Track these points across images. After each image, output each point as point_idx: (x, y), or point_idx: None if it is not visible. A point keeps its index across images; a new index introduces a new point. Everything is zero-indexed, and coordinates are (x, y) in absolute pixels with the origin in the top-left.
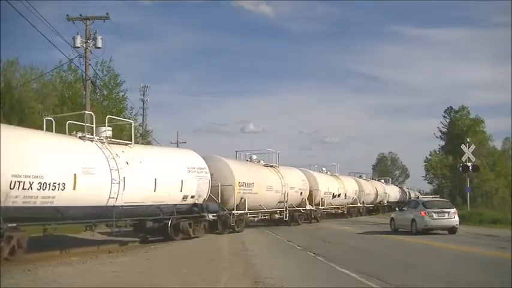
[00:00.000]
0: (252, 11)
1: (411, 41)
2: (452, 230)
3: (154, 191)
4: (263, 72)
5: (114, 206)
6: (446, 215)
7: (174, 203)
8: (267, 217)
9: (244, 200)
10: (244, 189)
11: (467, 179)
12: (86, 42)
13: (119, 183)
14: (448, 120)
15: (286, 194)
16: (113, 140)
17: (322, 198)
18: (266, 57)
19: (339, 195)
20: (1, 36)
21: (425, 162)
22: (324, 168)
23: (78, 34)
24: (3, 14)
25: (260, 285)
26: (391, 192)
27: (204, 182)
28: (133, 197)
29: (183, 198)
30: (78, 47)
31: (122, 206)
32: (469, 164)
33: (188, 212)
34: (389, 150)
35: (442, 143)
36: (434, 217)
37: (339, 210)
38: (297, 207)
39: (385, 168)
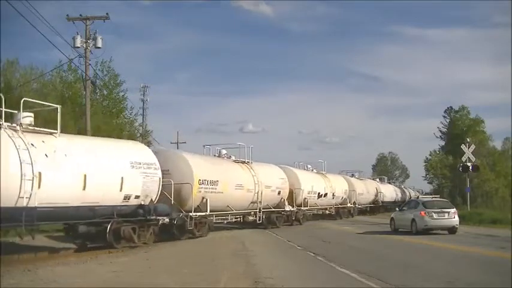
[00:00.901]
0: (252, 11)
1: (411, 41)
2: (452, 230)
3: (84, 189)
4: (263, 72)
5: (25, 207)
6: (446, 215)
7: (113, 204)
8: (239, 219)
9: (206, 200)
10: (206, 188)
11: (467, 179)
12: (86, 42)
13: (32, 179)
14: (448, 120)
15: (259, 194)
16: (30, 127)
17: (305, 198)
18: (266, 57)
19: (326, 194)
20: (1, 36)
21: (425, 162)
22: (309, 166)
23: (78, 34)
24: (3, 14)
25: (260, 285)
26: (387, 191)
27: (152, 180)
28: (54, 196)
29: (125, 199)
30: (78, 47)
31: (37, 207)
32: (469, 164)
33: (132, 215)
34: (389, 150)
35: (442, 143)
36: (434, 217)
37: (327, 211)
38: (274, 208)
39: (385, 168)
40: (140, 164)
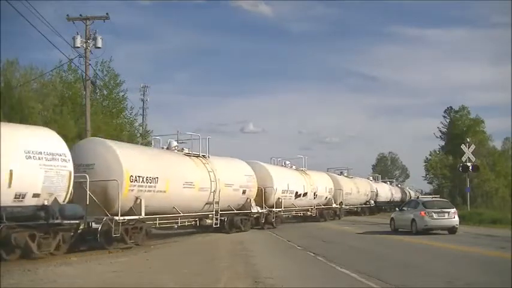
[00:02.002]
0: (251, 11)
1: (411, 41)
2: (452, 230)
3: None
4: (263, 72)
5: None
6: (446, 215)
7: None
8: (194, 223)
9: (140, 200)
10: (140, 186)
11: (467, 179)
12: (86, 42)
13: None
14: (448, 120)
15: (217, 193)
16: None
17: (279, 198)
18: (266, 57)
19: (305, 194)
20: (1, 36)
21: (425, 162)
22: (287, 162)
23: (78, 34)
24: (3, 14)
25: (260, 285)
26: (382, 191)
27: (59, 175)
28: None
29: (17, 198)
30: (78, 47)
31: None
32: (469, 164)
33: (30, 218)
34: (389, 150)
35: (442, 143)
36: (434, 217)
37: (308, 213)
38: (238, 209)
39: (385, 168)
40: (41, 153)
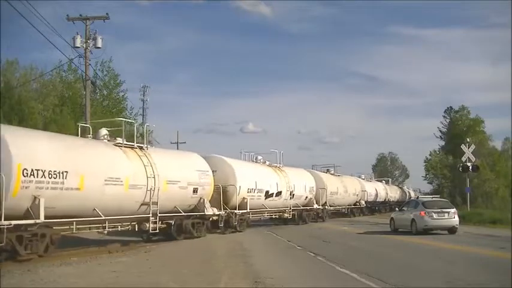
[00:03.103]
0: (251, 12)
1: (410, 41)
2: (452, 230)
3: None
4: (263, 72)
5: None
6: (446, 215)
7: None
8: (129, 228)
9: (39, 200)
10: (39, 182)
11: (467, 179)
12: (86, 42)
13: None
14: (448, 120)
15: (155, 191)
16: None
17: (244, 199)
18: (265, 57)
19: (279, 193)
20: (1, 36)
21: (425, 162)
22: (259, 157)
23: (78, 34)
24: (3, 14)
25: (260, 285)
26: (374, 190)
27: None
28: None
29: None
30: (78, 47)
31: None
32: (469, 164)
33: None
34: (389, 150)
35: (442, 143)
36: (434, 217)
37: (285, 215)
38: (189, 211)
39: (385, 168)
40: None
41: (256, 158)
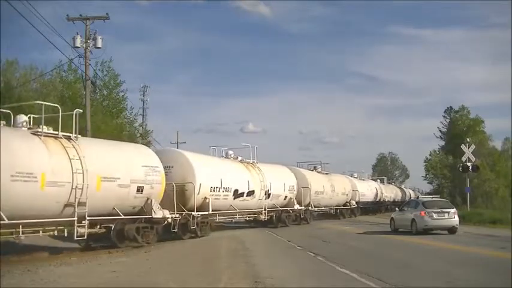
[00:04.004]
0: (251, 12)
1: (410, 41)
2: (452, 230)
3: None
4: (262, 72)
5: None
6: (446, 215)
7: None
8: (54, 233)
9: None
10: None
11: (467, 179)
12: (86, 42)
13: None
14: (448, 120)
15: (83, 190)
16: None
17: (205, 199)
18: (265, 57)
19: (251, 192)
20: (1, 36)
21: (425, 162)
22: (230, 152)
23: (78, 34)
24: (3, 14)
25: (260, 285)
26: (368, 190)
27: None
28: None
29: None
30: (78, 47)
31: None
32: (469, 164)
33: None
34: (389, 150)
35: (442, 143)
36: (434, 217)
37: (261, 217)
38: (133, 214)
39: (385, 168)
40: None
41: (226, 153)
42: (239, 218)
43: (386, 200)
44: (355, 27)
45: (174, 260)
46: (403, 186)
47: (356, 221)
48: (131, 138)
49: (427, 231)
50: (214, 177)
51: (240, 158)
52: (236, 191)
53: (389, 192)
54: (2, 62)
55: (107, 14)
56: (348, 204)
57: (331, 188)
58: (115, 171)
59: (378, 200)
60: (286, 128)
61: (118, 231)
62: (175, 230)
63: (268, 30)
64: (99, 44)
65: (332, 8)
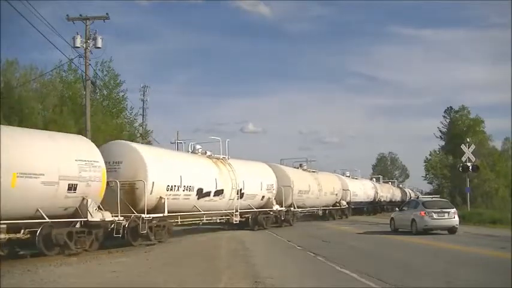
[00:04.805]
0: (251, 12)
1: (410, 41)
2: (452, 230)
3: None
4: (262, 72)
5: None
6: (446, 215)
7: None
8: None
9: None
10: None
11: (467, 179)
12: (86, 42)
13: None
14: (448, 120)
15: None
16: None
17: (160, 199)
18: (265, 57)
19: (220, 192)
20: (1, 36)
21: (425, 162)
22: (198, 146)
23: (78, 34)
24: (3, 14)
25: (260, 285)
26: (359, 189)
27: None
28: None
29: None
30: (78, 47)
31: None
32: (469, 164)
33: None
34: (389, 150)
35: (442, 143)
36: (434, 217)
37: (234, 219)
38: (63, 217)
39: (385, 168)
40: None
41: (194, 148)
42: (207, 220)
43: (382, 200)
44: (355, 27)
45: (174, 260)
46: (400, 186)
47: (355, 221)
48: (131, 138)
49: (427, 231)
50: (172, 175)
51: (208, 153)
52: (200, 190)
53: (386, 192)
54: (2, 62)
55: (107, 14)
56: (338, 204)
57: (318, 187)
58: (38, 166)
59: (372, 200)
60: (286, 128)
61: (45, 237)
62: (119, 235)
63: (268, 30)
64: (99, 44)
65: (332, 8)
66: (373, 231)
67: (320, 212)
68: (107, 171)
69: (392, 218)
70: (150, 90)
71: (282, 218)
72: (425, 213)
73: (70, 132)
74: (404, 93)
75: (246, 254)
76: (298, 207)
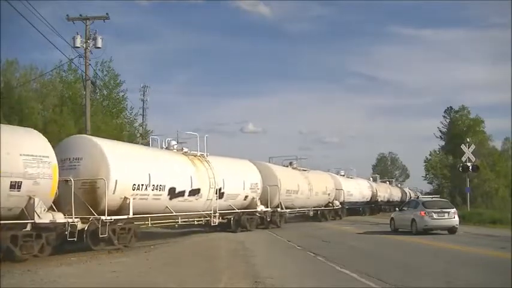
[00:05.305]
0: (251, 12)
1: (410, 41)
2: (452, 230)
3: None
4: (262, 72)
5: None
6: (446, 215)
7: None
8: None
9: None
10: None
11: (467, 179)
12: (86, 42)
13: None
14: (448, 120)
15: None
16: None
17: (125, 199)
18: (265, 57)
19: (196, 191)
20: (1, 36)
21: (425, 162)
22: (173, 142)
23: (78, 34)
24: (3, 14)
25: (260, 285)
26: (354, 189)
27: None
28: None
29: None
30: (78, 47)
31: None
32: (469, 164)
33: None
34: (389, 150)
35: (442, 143)
36: (434, 217)
37: (214, 220)
38: (7, 219)
39: (385, 168)
40: None
41: (169, 144)
42: (183, 222)
43: (379, 200)
44: (355, 27)
45: (174, 260)
46: (399, 185)
47: (354, 221)
48: (131, 138)
49: (427, 231)
50: (139, 172)
51: (185, 150)
52: (173, 189)
53: (383, 192)
54: (2, 62)
55: (107, 14)
56: (331, 204)
57: (308, 186)
58: None
59: (369, 200)
60: (286, 128)
61: None
62: (74, 239)
63: (268, 30)
64: (99, 44)
65: (332, 8)
66: (373, 231)
67: (311, 213)
68: (66, 169)
69: (392, 218)
70: (150, 90)
71: (268, 220)
72: (425, 213)
73: (70, 133)
74: (404, 93)
75: (246, 254)
76: (286, 208)
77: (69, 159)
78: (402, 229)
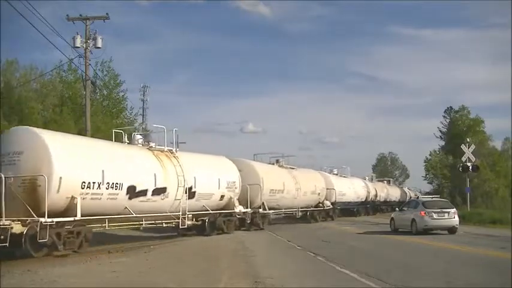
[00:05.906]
0: (251, 12)
1: (410, 41)
2: (452, 230)
3: None
4: (262, 72)
5: None
6: (446, 215)
7: None
8: None
9: None
10: None
11: (467, 179)
12: (86, 42)
13: None
14: (448, 120)
15: None
16: None
17: (72, 199)
18: (265, 57)
19: (161, 190)
20: (1, 36)
21: (425, 162)
22: (138, 137)
23: (78, 34)
24: (3, 14)
25: (260, 285)
26: (348, 189)
27: None
28: None
29: None
30: (78, 47)
31: None
32: (469, 164)
33: None
34: (389, 150)
35: (442, 143)
36: (434, 217)
37: (187, 222)
38: None
39: (385, 168)
40: None
41: (133, 137)
42: (148, 225)
43: (375, 200)
44: (355, 27)
45: (174, 260)
46: (398, 185)
47: (356, 220)
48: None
49: (427, 231)
50: (90, 169)
51: (151, 144)
52: (132, 188)
53: (380, 192)
54: (2, 62)
55: (107, 14)
56: (321, 205)
57: (295, 185)
58: None
59: (364, 200)
60: (286, 128)
61: None
62: (6, 244)
63: (268, 30)
64: (99, 44)
65: (332, 8)
66: (373, 231)
67: (299, 214)
68: (6, 165)
69: (392, 218)
70: (150, 90)
71: (249, 221)
72: (425, 213)
73: (70, 133)
74: (404, 93)
75: (245, 254)
76: (270, 209)
77: (9, 153)
78: (402, 229)
